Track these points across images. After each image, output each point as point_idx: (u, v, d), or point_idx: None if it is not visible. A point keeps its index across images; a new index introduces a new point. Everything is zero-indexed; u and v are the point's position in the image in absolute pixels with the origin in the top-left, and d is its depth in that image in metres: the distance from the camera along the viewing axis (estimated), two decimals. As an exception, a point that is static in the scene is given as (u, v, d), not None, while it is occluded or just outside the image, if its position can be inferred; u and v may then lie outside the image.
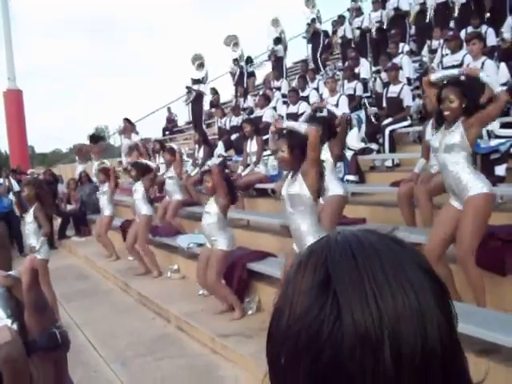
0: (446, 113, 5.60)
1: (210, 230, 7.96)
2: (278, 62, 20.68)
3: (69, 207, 17.47)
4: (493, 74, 9.10)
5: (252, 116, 15.65)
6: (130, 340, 7.96)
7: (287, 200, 5.94)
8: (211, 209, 7.97)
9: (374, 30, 17.03)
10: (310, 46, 20.76)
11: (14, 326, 0.76)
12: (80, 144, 21.33)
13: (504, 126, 8.83)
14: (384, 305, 0.77)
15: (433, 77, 6.13)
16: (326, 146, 7.66)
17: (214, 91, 21.70)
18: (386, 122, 11.26)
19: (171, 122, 25.86)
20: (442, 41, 12.76)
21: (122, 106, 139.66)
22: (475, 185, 5.40)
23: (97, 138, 20.25)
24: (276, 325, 0.85)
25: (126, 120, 19.36)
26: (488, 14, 13.56)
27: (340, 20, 19.87)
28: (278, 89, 17.49)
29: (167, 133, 25.07)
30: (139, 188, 11.03)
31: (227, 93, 23.01)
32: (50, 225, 9.74)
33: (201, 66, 20.05)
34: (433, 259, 5.61)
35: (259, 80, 22.38)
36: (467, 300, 5.59)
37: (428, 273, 0.83)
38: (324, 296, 0.79)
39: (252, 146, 11.82)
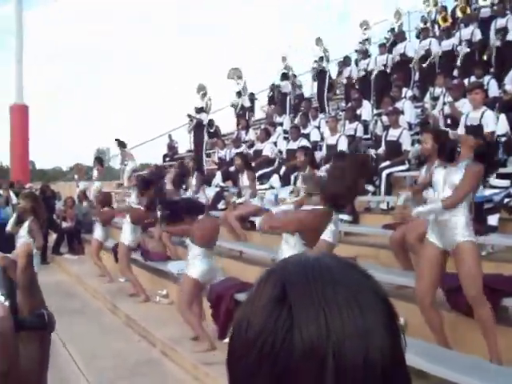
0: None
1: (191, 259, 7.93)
2: (282, 97, 20.92)
3: (64, 225, 17.51)
4: (492, 125, 9.23)
5: (252, 149, 15.78)
6: (114, 362, 7.94)
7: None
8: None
9: (376, 73, 17.28)
10: (315, 83, 20.89)
11: (7, 304, 0.83)
12: (81, 164, 21.54)
13: (499, 176, 8.92)
14: (332, 321, 0.84)
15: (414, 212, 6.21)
16: None
17: (211, 122, 21.78)
18: (383, 164, 11.36)
19: (172, 149, 25.87)
20: (444, 88, 12.89)
21: (126, 129, 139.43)
22: (467, 231, 5.52)
23: (102, 159, 20.54)
24: (236, 336, 0.92)
25: (121, 145, 19.75)
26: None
27: (346, 61, 20.02)
28: (280, 124, 17.60)
29: (167, 159, 25.09)
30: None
31: (230, 124, 23.12)
32: (43, 239, 9.76)
33: (204, 95, 20.24)
34: (426, 304, 5.71)
35: (259, 114, 22.60)
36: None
37: (379, 296, 0.90)
38: (279, 310, 0.86)
39: (243, 180, 11.88)
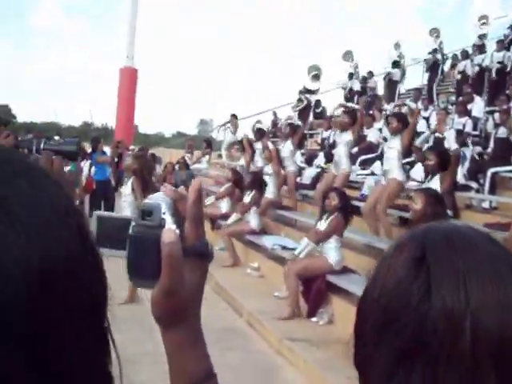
0: None
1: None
2: (392, 85, 20.67)
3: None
4: None
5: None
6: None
7: None
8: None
9: (494, 70, 16.87)
10: (426, 75, 20.62)
11: (177, 231, 0.90)
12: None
13: None
14: (472, 290, 0.82)
15: None
16: (436, 178, 7.74)
17: (318, 103, 21.72)
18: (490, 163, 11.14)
19: (275, 126, 25.93)
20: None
21: (230, 101, 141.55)
22: None
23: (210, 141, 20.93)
24: (368, 295, 0.92)
25: (233, 116, 19.80)
26: None
27: (463, 54, 19.61)
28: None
29: (270, 136, 25.18)
30: None
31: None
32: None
33: (316, 77, 20.21)
34: None
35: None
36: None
37: None
38: (417, 272, 0.86)
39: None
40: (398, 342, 0.85)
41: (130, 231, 0.91)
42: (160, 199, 0.94)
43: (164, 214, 0.92)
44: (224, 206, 12.94)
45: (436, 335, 0.82)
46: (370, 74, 22.03)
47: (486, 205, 10.85)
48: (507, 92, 13.26)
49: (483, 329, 0.81)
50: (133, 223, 0.91)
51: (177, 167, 18.11)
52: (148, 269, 0.90)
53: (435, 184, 7.78)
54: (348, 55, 21.92)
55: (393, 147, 9.48)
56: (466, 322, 0.81)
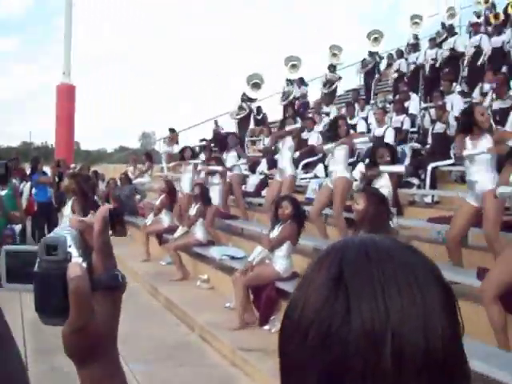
0: None
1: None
2: (331, 88, 20.89)
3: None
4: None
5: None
6: (152, 343, 7.98)
7: None
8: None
9: (427, 67, 17.21)
10: (363, 75, 21.03)
11: (84, 265, 0.89)
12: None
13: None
14: (391, 303, 0.80)
15: None
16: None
17: (259, 110, 21.82)
18: (430, 158, 11.30)
19: (218, 134, 25.93)
20: (494, 84, 12.77)
21: (172, 112, 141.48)
22: None
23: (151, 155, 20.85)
24: (289, 317, 0.89)
25: (171, 130, 19.85)
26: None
27: (398, 53, 20.06)
28: (327, 114, 17.59)
29: (212, 145, 25.19)
30: None
31: (276, 112, 23.08)
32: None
33: (256, 85, 20.29)
34: (489, 300, 5.48)
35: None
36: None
37: (438, 279, 0.87)
38: (336, 291, 0.83)
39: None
40: (321, 366, 0.82)
41: (36, 268, 0.89)
42: (65, 231, 0.92)
43: (70, 246, 0.90)
44: (165, 219, 12.90)
45: (358, 356, 0.79)
46: (301, 80, 22.30)
47: (428, 199, 11.03)
48: (441, 88, 13.48)
49: (405, 341, 0.80)
50: (38, 259, 0.89)
51: (119, 182, 17.96)
52: (56, 306, 0.88)
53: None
54: (289, 59, 22.06)
55: (340, 149, 9.67)
56: (386, 338, 0.79)
